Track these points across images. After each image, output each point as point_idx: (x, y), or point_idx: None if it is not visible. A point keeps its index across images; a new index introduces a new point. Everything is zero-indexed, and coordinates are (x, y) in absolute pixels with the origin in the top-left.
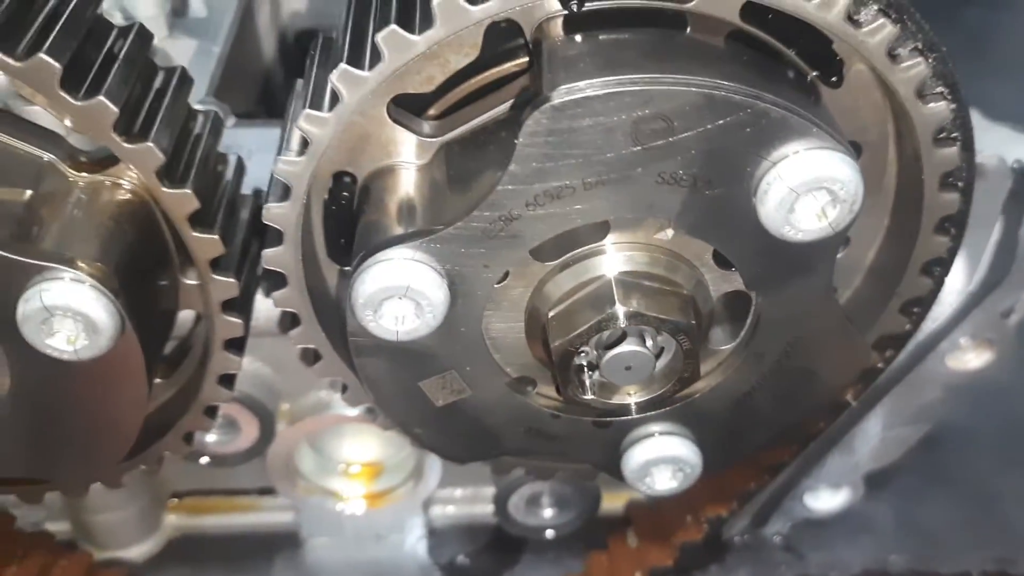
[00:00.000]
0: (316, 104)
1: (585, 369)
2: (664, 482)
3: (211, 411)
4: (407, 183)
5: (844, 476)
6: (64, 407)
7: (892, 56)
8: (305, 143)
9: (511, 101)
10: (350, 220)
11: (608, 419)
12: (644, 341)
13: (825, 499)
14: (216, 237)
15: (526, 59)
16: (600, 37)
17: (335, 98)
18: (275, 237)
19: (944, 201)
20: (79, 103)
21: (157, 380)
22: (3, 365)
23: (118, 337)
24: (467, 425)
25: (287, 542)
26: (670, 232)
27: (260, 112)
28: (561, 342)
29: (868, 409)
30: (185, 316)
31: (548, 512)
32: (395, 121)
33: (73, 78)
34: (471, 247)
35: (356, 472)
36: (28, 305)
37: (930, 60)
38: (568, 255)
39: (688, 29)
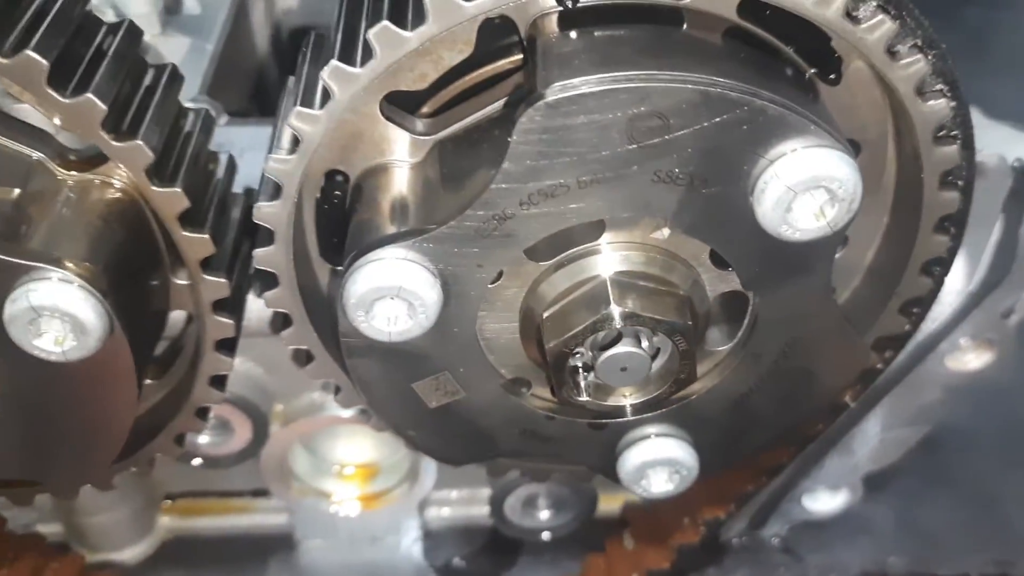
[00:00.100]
0: (307, 102)
1: (580, 370)
2: (660, 485)
3: (202, 413)
4: (400, 182)
5: (843, 478)
6: (52, 408)
7: (891, 53)
8: (296, 141)
9: (505, 99)
10: (342, 219)
11: (604, 421)
12: (640, 342)
13: (824, 501)
14: (206, 236)
15: (520, 56)
16: (595, 33)
17: (327, 95)
18: (266, 236)
19: (944, 200)
20: (67, 100)
21: (148, 381)
22: None
23: (107, 338)
24: (461, 427)
25: (281, 544)
26: (666, 231)
27: (254, 110)
28: (556, 343)
29: (867, 410)
30: (177, 316)
31: (545, 514)
32: (388, 119)
33: (61, 75)
34: (464, 246)
35: (351, 474)
36: (15, 305)
37: (929, 57)
38: (563, 255)
39: (685, 25)
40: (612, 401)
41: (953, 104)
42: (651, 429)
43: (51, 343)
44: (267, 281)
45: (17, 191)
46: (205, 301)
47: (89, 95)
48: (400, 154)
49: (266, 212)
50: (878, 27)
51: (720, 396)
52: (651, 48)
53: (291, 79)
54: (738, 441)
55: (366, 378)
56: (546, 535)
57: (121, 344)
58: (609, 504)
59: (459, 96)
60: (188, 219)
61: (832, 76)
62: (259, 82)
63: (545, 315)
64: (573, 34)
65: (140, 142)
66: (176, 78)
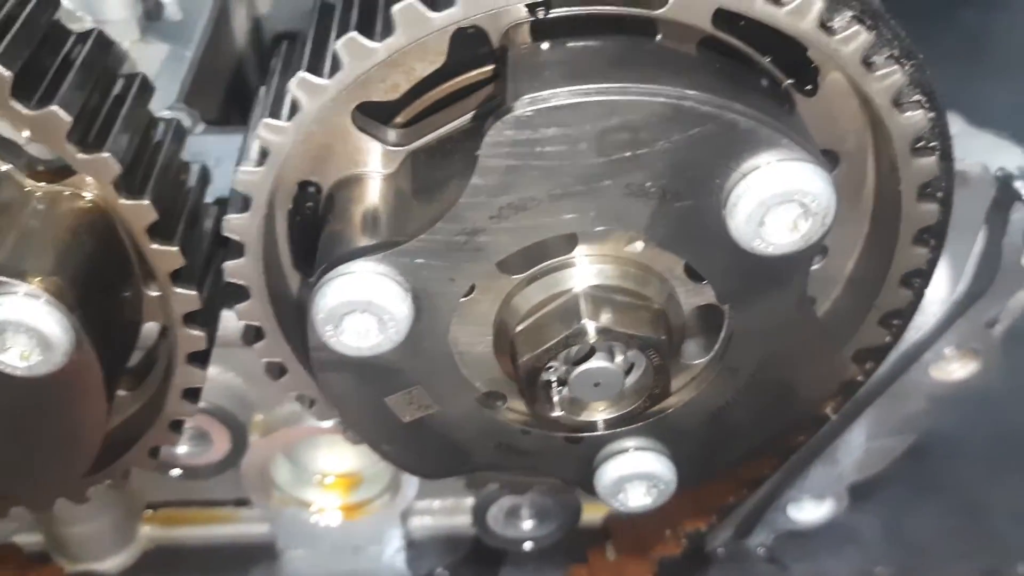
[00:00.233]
0: (275, 113)
1: (553, 385)
2: (638, 498)
3: (176, 426)
4: (373, 193)
5: (828, 487)
6: (20, 422)
7: (867, 64)
8: (264, 153)
9: (474, 111)
10: (316, 230)
11: (580, 435)
12: (613, 357)
13: (809, 510)
14: (175, 250)
15: (492, 67)
16: (568, 44)
17: (295, 107)
18: (236, 249)
19: (922, 212)
20: (31, 112)
21: (122, 392)
22: None
23: (73, 353)
24: (436, 441)
25: (264, 554)
26: (640, 244)
27: (236, 118)
28: (528, 358)
29: (851, 420)
30: (151, 327)
31: (528, 524)
32: (360, 129)
33: (26, 87)
34: (435, 260)
35: (332, 483)
36: None
37: (906, 68)
38: (536, 267)
39: (659, 36)
40: (586, 416)
41: (931, 115)
42: (628, 443)
43: (16, 358)
44: (238, 293)
45: None
46: (176, 314)
47: (54, 107)
48: (373, 165)
49: (235, 224)
50: (853, 38)
51: (698, 409)
52: (623, 60)
53: (262, 89)
54: (717, 454)
55: (338, 393)
56: (529, 545)
57: (89, 358)
58: (592, 515)
59: (433, 106)
60: (157, 231)
61: (808, 87)
62: (241, 89)
63: (518, 329)
64: (545, 45)
65: (107, 154)
66: (146, 88)
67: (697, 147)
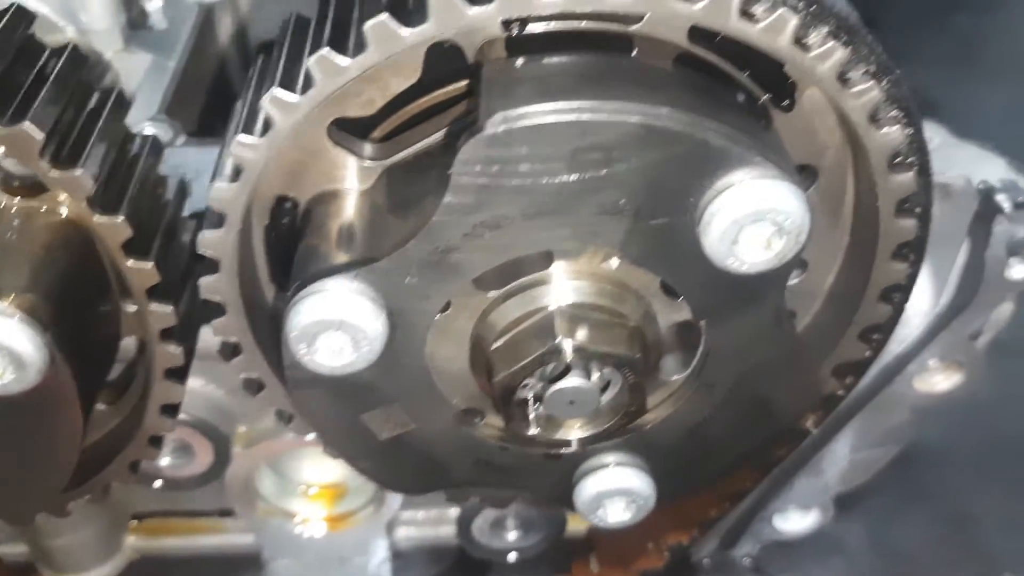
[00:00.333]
0: (249, 129)
1: (529, 403)
2: (617, 514)
3: (156, 441)
4: (349, 208)
5: (813, 498)
6: None
7: (843, 80)
8: (238, 169)
9: (447, 127)
10: (293, 245)
11: (558, 451)
12: (589, 375)
13: (795, 520)
14: (151, 266)
15: (468, 82)
16: (542, 61)
17: (268, 124)
18: (211, 265)
19: (900, 227)
20: (3, 129)
21: (102, 407)
22: None
23: (47, 371)
24: (413, 458)
25: (249, 564)
26: (616, 261)
27: (220, 128)
28: (503, 376)
29: (835, 432)
30: (130, 341)
31: (512, 535)
32: (336, 144)
33: None
34: (409, 278)
35: (317, 494)
36: None
37: (883, 84)
38: (512, 285)
39: (635, 51)
40: (562, 434)
41: (908, 131)
42: (607, 458)
43: None
44: (214, 309)
45: None
46: (152, 329)
47: (26, 124)
48: (350, 180)
49: (210, 241)
50: (829, 55)
51: (676, 424)
52: (597, 77)
53: (238, 103)
54: (696, 469)
55: (313, 410)
56: (513, 556)
57: (64, 376)
58: (576, 526)
59: (409, 121)
60: (132, 248)
61: (786, 103)
62: (226, 98)
63: (494, 346)
64: (519, 61)
65: (79, 172)
66: (122, 102)
67: (670, 165)
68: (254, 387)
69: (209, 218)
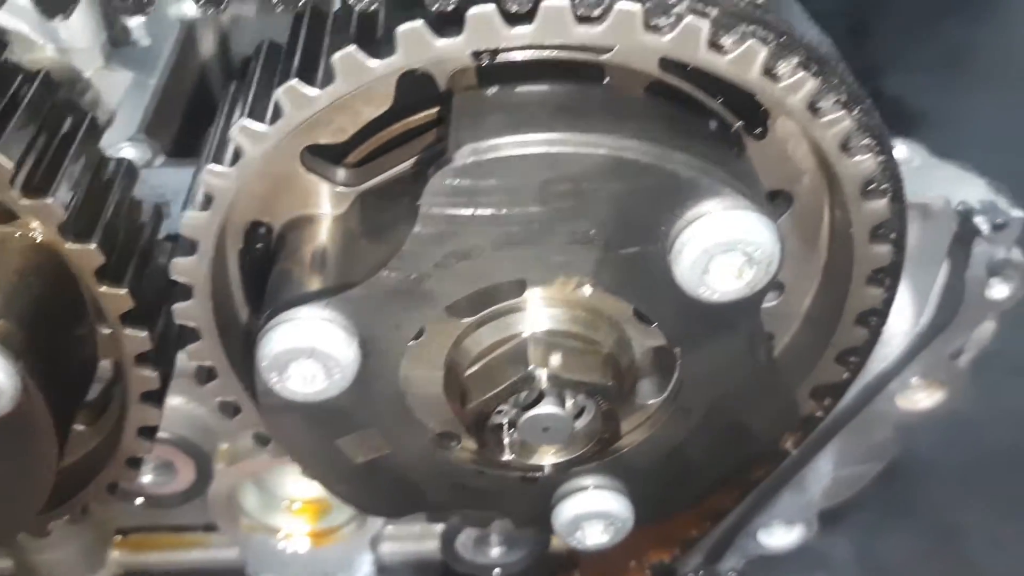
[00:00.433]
0: (219, 156)
1: (504, 428)
2: (595, 536)
3: (134, 462)
4: (323, 233)
5: (798, 513)
6: None
7: (814, 110)
8: (209, 198)
9: (417, 156)
10: (267, 270)
11: (535, 475)
12: (563, 402)
13: (780, 535)
14: (124, 292)
15: (439, 109)
16: (513, 90)
17: (238, 152)
18: (185, 291)
19: (875, 253)
20: None
21: (81, 427)
22: None
23: (20, 398)
24: (390, 482)
25: None
26: (589, 288)
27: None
28: (476, 403)
29: (818, 449)
30: (109, 360)
31: (496, 551)
32: (309, 170)
33: None
34: (380, 306)
35: (301, 509)
36: None
37: (855, 113)
38: (485, 312)
39: (606, 80)
40: (536, 459)
41: (881, 159)
42: (585, 481)
43: None
44: (188, 335)
45: None
46: (128, 354)
47: None
48: (324, 205)
49: (183, 268)
50: (799, 86)
51: (654, 448)
52: (567, 107)
53: (211, 128)
54: (674, 491)
55: (288, 436)
56: (497, 572)
57: (37, 402)
58: (561, 542)
59: (383, 147)
60: (106, 274)
61: (758, 130)
62: (209, 116)
63: (467, 373)
64: (490, 90)
65: (50, 200)
66: (95, 126)
67: (640, 196)
68: (230, 410)
69: (181, 245)
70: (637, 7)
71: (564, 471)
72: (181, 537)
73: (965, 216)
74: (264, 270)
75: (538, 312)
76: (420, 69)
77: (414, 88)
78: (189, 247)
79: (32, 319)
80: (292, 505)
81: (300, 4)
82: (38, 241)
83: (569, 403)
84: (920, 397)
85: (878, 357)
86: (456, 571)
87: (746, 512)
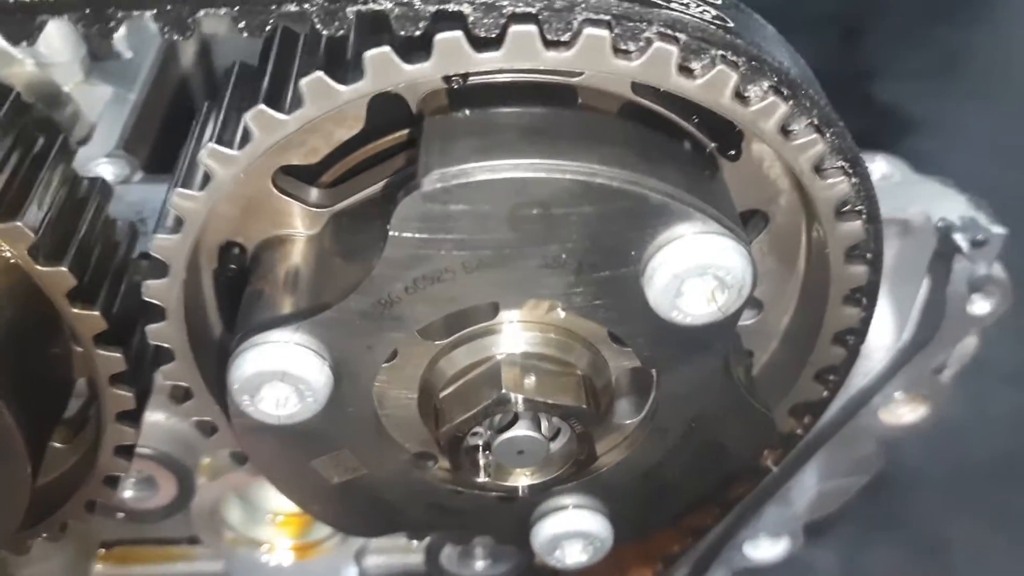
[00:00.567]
0: (189, 179)
1: (479, 450)
2: (575, 555)
3: (112, 481)
4: (296, 254)
5: (783, 527)
6: None
7: (786, 134)
8: (179, 220)
9: (386, 180)
10: (242, 289)
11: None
12: (538, 424)
13: (765, 548)
14: (96, 314)
15: (410, 131)
16: (484, 113)
17: (207, 176)
18: (157, 312)
19: (851, 273)
20: None
21: (58, 445)
22: None
23: None
24: (366, 502)
25: None
26: (562, 312)
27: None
28: (450, 426)
29: (802, 464)
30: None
31: (481, 564)
32: (281, 191)
33: None
34: (352, 329)
35: (285, 522)
36: None
37: (827, 136)
38: (458, 334)
39: (579, 101)
40: (512, 481)
41: (855, 180)
42: (563, 500)
43: None
44: (162, 355)
45: None
46: (102, 374)
47: None
48: (297, 225)
49: (155, 289)
50: (771, 110)
51: (631, 467)
52: (538, 131)
53: (183, 149)
54: (653, 510)
55: (262, 457)
56: None
57: (8, 425)
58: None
59: (356, 167)
60: (78, 295)
61: (732, 152)
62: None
63: (441, 395)
64: (461, 114)
65: (19, 223)
66: (67, 146)
67: (611, 221)
68: (208, 429)
69: (153, 267)
70: (605, 33)
71: (542, 491)
72: (165, 550)
73: (945, 232)
74: (239, 290)
75: (512, 334)
76: (391, 91)
77: (386, 109)
78: (161, 269)
79: (3, 340)
80: (276, 518)
81: (267, 28)
82: (10, 261)
83: (544, 425)
84: (903, 411)
85: (861, 372)
86: None
87: (731, 525)
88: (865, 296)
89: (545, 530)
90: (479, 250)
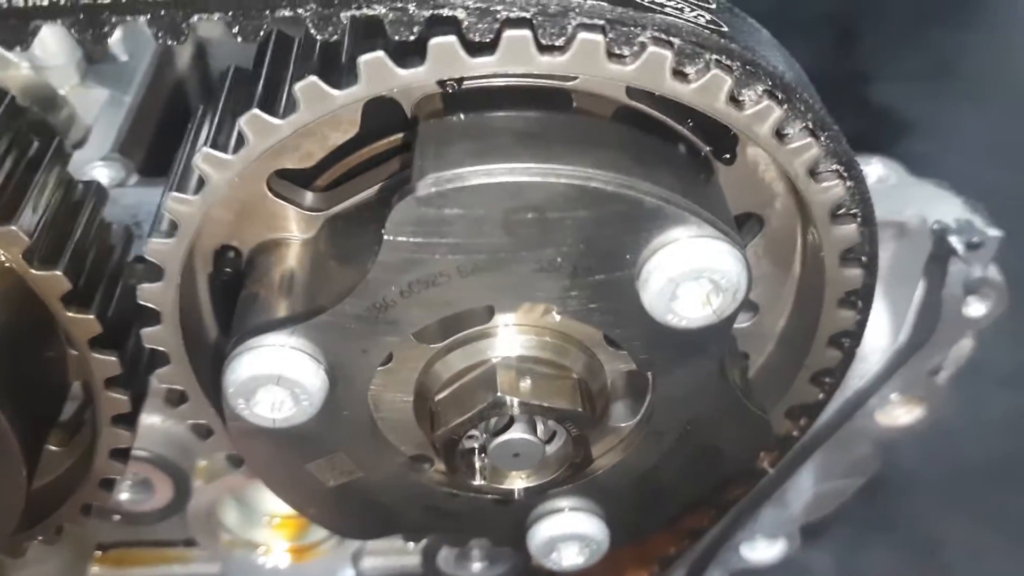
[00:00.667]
0: (184, 183)
1: (475, 453)
2: (571, 558)
3: (107, 484)
4: (291, 258)
5: (779, 528)
6: None
7: (780, 137)
8: (174, 224)
9: (382, 183)
10: (237, 292)
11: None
12: (534, 427)
13: (762, 549)
14: (91, 317)
15: (405, 135)
16: (479, 117)
17: (202, 180)
18: (152, 316)
19: (846, 276)
20: None
21: (54, 448)
22: None
23: None
24: (362, 505)
25: None
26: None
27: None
28: (445, 429)
29: (798, 465)
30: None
31: (478, 566)
32: (276, 195)
33: None
34: (347, 333)
35: (281, 524)
36: None
37: (822, 140)
38: (453, 338)
39: (574, 105)
40: (508, 484)
41: (849, 184)
42: (559, 503)
43: None
44: (158, 359)
45: None
46: (97, 378)
47: None
48: (293, 229)
49: (150, 293)
50: (765, 114)
51: (628, 470)
52: (533, 135)
53: (178, 153)
54: (649, 513)
55: (258, 460)
56: None
57: (3, 427)
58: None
59: (351, 171)
60: (73, 299)
61: (727, 156)
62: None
63: (437, 399)
64: (456, 118)
65: (14, 227)
66: (62, 150)
67: (606, 224)
68: (203, 432)
69: (148, 271)
70: (599, 38)
71: (538, 494)
72: (162, 552)
73: (941, 235)
74: (234, 293)
75: (508, 338)
76: (386, 95)
77: (381, 113)
78: (155, 273)
79: None
80: (272, 520)
81: (261, 33)
82: (6, 266)
83: (540, 428)
84: (899, 413)
85: (857, 373)
86: None
87: (728, 527)
88: (860, 299)
89: (541, 532)
90: (474, 254)
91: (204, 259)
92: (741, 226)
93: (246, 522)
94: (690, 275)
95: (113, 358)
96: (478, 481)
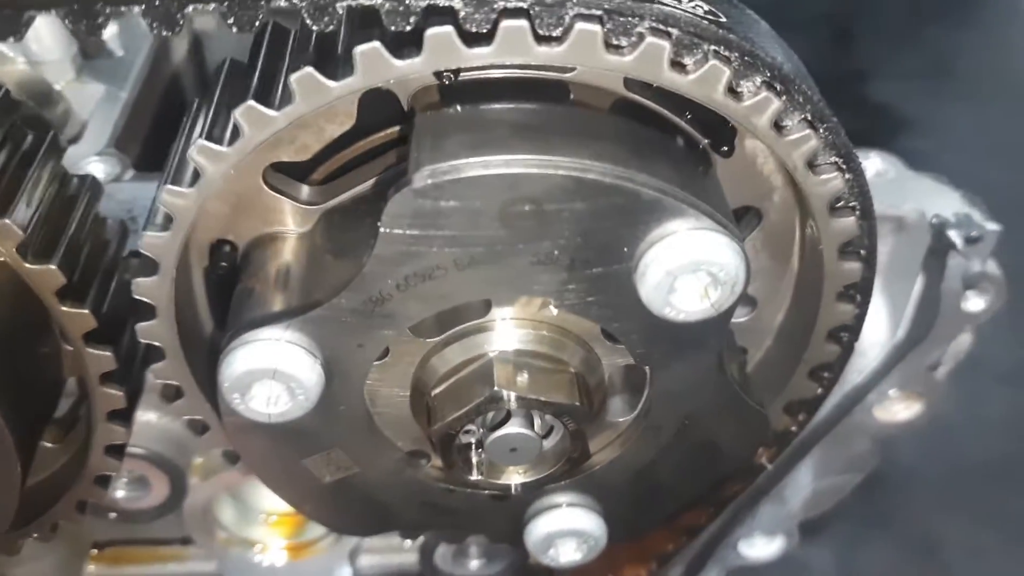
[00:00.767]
0: (179, 176)
1: (472, 448)
2: (568, 554)
3: (103, 481)
4: (287, 252)
5: (778, 525)
6: None
7: (779, 129)
8: (169, 218)
9: (377, 177)
10: (233, 287)
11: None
12: (531, 422)
13: (760, 546)
14: (86, 312)
15: (401, 127)
16: (475, 109)
17: (197, 173)
18: (148, 310)
19: (845, 270)
20: None
21: (49, 445)
22: None
23: None
24: (359, 501)
25: None
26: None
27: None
28: (442, 424)
29: (797, 461)
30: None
31: (475, 563)
32: (271, 188)
33: None
34: (343, 326)
35: (278, 522)
36: None
37: (820, 132)
38: (450, 332)
39: (571, 97)
40: (505, 479)
41: (848, 176)
42: (557, 499)
43: None
44: (154, 353)
45: None
46: (91, 373)
47: None
48: (288, 222)
49: (145, 287)
50: (763, 106)
51: (625, 465)
52: (530, 127)
53: (173, 146)
54: (647, 509)
55: (254, 456)
56: None
57: None
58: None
59: (347, 165)
60: (67, 294)
61: (725, 148)
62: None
63: (433, 393)
64: (453, 110)
65: (7, 221)
66: (57, 144)
67: (603, 217)
68: (199, 428)
69: (143, 265)
70: (597, 28)
71: (535, 490)
72: (158, 550)
73: (939, 229)
74: (229, 288)
75: (504, 332)
76: (382, 87)
77: (377, 106)
78: (150, 267)
79: None
80: (269, 518)
81: (257, 24)
82: (0, 260)
83: (537, 423)
84: (898, 408)
85: (855, 369)
86: None
87: (726, 524)
88: (859, 293)
89: (539, 529)
90: (471, 247)
91: (199, 253)
92: (739, 219)
93: (242, 520)
94: (688, 268)
95: (108, 353)
96: (475, 476)
